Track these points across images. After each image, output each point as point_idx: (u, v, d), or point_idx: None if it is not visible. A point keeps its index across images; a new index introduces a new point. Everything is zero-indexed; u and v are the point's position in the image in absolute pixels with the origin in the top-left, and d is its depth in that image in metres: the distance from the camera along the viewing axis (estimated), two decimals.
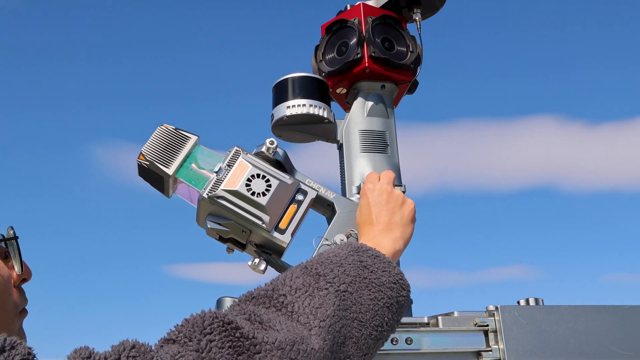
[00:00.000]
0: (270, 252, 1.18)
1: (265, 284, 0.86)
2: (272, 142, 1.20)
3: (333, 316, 0.81)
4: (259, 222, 1.12)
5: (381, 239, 1.03)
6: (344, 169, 1.33)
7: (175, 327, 0.74)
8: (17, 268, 0.83)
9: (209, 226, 1.16)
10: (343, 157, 1.33)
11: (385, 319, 0.89)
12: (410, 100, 1.47)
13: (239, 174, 1.14)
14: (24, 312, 0.86)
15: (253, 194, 1.12)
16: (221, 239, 1.20)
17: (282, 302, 0.82)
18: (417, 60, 1.38)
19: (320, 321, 0.80)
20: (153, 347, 0.71)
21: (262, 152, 1.20)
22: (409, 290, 0.94)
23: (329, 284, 0.85)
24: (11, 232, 0.84)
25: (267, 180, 1.14)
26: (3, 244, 0.83)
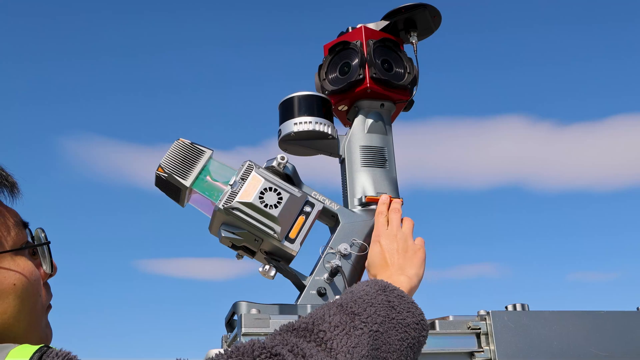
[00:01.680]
0: (279, 259, 1.28)
1: (305, 317, 0.92)
2: (282, 158, 1.29)
3: (367, 356, 0.88)
4: (271, 232, 1.21)
5: (397, 277, 1.14)
6: (345, 182, 1.42)
7: (224, 351, 0.80)
8: (45, 267, 0.90)
9: (223, 235, 1.25)
10: (345, 171, 1.43)
11: (408, 358, 0.96)
12: None
13: (253, 187, 1.24)
14: (49, 307, 0.93)
15: (266, 206, 1.22)
16: (234, 247, 1.29)
17: (322, 338, 0.87)
18: (414, 81, 1.49)
19: None
20: None
21: (272, 166, 1.29)
22: (428, 330, 1.03)
23: (363, 324, 0.92)
24: (42, 235, 0.91)
25: (279, 194, 1.23)
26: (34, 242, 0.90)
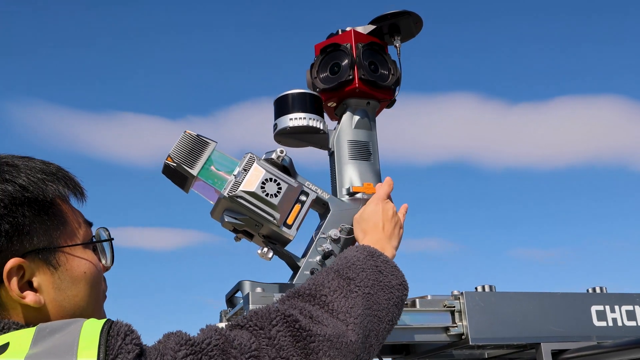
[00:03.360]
0: (276, 243, 1.42)
1: (306, 283, 1.09)
2: (282, 151, 1.42)
3: (362, 314, 1.05)
4: (271, 219, 1.35)
5: (385, 244, 1.29)
6: (334, 173, 1.57)
7: (244, 316, 0.96)
8: (105, 261, 1.03)
9: (226, 220, 1.38)
10: (334, 163, 1.58)
11: (394, 314, 1.14)
12: None
13: (255, 177, 1.37)
14: (105, 297, 1.06)
15: (267, 195, 1.35)
16: (235, 230, 1.42)
17: (324, 301, 1.04)
18: (397, 82, 1.63)
19: (354, 319, 1.03)
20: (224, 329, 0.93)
21: (272, 158, 1.43)
22: (408, 290, 1.19)
23: (357, 288, 1.08)
24: (106, 233, 1.04)
25: (278, 184, 1.37)
26: (94, 239, 1.03)
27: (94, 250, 1.02)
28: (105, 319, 0.83)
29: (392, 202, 1.45)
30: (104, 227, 1.04)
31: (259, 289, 1.29)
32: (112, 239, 1.04)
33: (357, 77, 1.56)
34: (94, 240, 1.02)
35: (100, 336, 0.79)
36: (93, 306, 0.97)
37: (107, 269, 1.04)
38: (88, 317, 0.90)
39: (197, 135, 1.43)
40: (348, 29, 1.64)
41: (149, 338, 0.88)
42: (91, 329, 0.80)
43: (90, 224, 1.02)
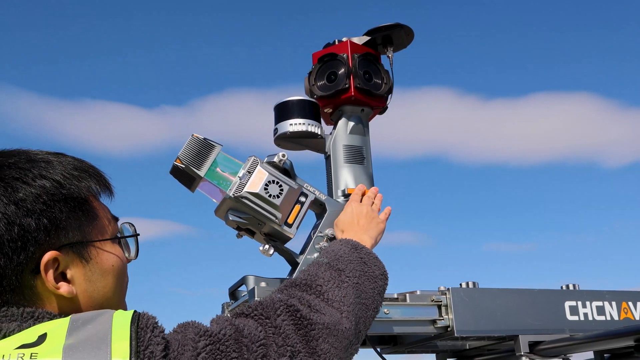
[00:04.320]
0: (277, 240, 1.52)
1: (300, 274, 1.18)
2: (284, 155, 1.52)
3: (354, 303, 1.15)
4: (273, 218, 1.46)
5: (362, 235, 1.41)
6: (331, 176, 1.68)
7: (248, 305, 1.05)
8: (130, 254, 1.11)
9: (230, 219, 1.48)
10: (330, 166, 1.68)
11: (378, 303, 1.24)
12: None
13: (259, 179, 1.47)
14: (126, 287, 1.15)
15: (270, 196, 1.46)
16: (238, 228, 1.52)
17: (320, 291, 1.13)
18: (389, 90, 1.74)
19: (347, 307, 1.13)
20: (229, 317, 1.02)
21: (274, 161, 1.53)
22: (388, 279, 1.30)
23: (347, 278, 1.19)
24: (132, 228, 1.12)
25: (280, 186, 1.47)
26: (119, 234, 1.11)
27: (119, 244, 1.10)
28: (132, 311, 0.90)
29: (377, 203, 1.56)
30: (129, 222, 1.11)
31: (263, 284, 1.40)
32: (138, 234, 1.12)
33: (352, 86, 1.67)
34: (119, 235, 1.09)
35: (131, 328, 0.85)
36: (118, 297, 1.05)
37: (128, 261, 1.11)
38: (114, 307, 0.98)
39: (204, 139, 1.52)
40: (344, 39, 1.75)
41: None
42: (121, 320, 0.87)
43: (116, 219, 1.09)
